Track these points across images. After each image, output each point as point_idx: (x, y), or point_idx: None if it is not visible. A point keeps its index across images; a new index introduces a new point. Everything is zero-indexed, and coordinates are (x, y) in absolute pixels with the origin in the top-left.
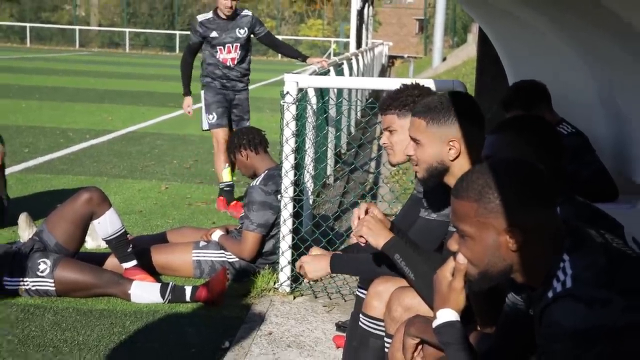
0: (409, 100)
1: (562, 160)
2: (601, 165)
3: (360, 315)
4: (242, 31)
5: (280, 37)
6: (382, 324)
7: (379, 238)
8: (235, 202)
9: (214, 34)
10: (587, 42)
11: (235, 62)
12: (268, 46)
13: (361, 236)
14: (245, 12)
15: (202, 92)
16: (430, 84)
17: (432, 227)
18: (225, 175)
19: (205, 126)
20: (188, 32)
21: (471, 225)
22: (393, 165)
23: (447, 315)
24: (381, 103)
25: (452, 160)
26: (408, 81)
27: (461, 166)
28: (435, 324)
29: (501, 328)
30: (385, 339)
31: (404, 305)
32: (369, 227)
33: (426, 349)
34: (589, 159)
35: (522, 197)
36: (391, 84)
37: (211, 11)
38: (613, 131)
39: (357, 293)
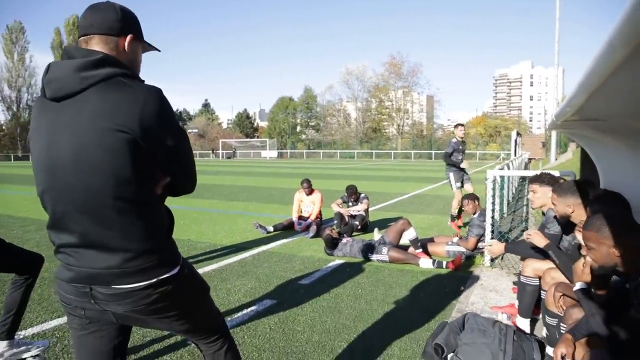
0: (545, 179)
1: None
2: None
3: (520, 275)
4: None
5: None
6: (534, 280)
7: (542, 242)
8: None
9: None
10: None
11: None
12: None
13: (529, 239)
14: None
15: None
16: (556, 172)
17: (555, 238)
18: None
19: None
20: None
21: (593, 243)
22: (534, 209)
23: (580, 284)
24: (531, 178)
25: (571, 213)
26: (545, 171)
27: (578, 215)
28: (575, 288)
29: (612, 291)
30: (541, 291)
31: (551, 276)
32: (537, 236)
33: (566, 299)
34: None
35: (619, 231)
36: (531, 173)
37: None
38: None
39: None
